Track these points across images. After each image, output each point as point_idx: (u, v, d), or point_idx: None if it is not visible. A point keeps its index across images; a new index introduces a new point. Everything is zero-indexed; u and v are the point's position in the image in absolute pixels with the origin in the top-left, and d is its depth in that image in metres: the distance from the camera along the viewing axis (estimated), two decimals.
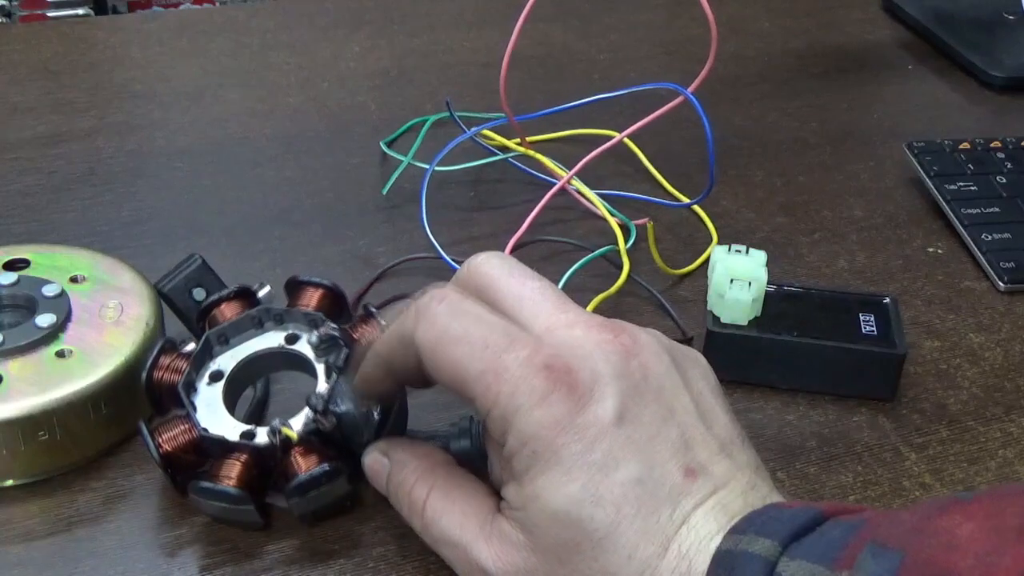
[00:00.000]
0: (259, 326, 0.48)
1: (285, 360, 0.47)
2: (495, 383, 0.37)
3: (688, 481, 0.36)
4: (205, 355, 0.46)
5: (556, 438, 0.36)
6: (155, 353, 0.45)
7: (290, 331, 0.47)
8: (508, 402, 0.36)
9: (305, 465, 0.42)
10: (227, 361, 0.46)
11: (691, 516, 0.36)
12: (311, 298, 0.48)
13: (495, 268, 0.41)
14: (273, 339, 0.47)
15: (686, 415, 0.38)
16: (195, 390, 0.45)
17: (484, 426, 0.40)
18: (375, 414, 0.43)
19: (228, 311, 0.47)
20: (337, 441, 0.43)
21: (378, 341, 0.41)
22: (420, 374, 0.40)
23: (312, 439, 0.43)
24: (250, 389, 0.48)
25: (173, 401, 0.45)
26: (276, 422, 0.43)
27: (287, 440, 0.43)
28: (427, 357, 0.38)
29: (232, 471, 0.42)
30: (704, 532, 0.35)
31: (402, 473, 0.42)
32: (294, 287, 0.49)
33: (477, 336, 0.37)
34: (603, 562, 0.36)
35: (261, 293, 0.49)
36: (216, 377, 0.45)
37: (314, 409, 0.43)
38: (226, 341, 0.47)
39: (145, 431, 0.43)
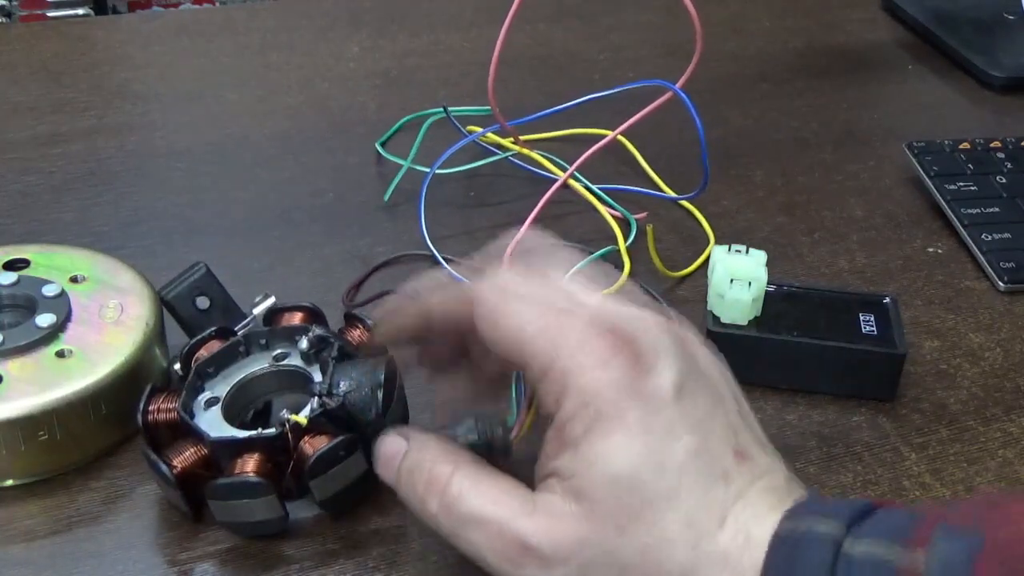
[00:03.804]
0: (246, 354, 0.47)
1: (278, 379, 0.47)
2: (557, 339, 0.36)
3: (739, 462, 0.37)
4: (197, 384, 0.46)
5: (620, 401, 0.36)
6: (144, 397, 0.45)
7: (277, 351, 0.48)
8: (569, 361, 0.36)
9: (319, 445, 0.42)
10: (220, 387, 0.46)
11: (746, 493, 0.36)
12: (291, 320, 0.49)
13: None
14: (262, 360, 0.47)
15: (730, 406, 0.38)
16: (193, 415, 0.45)
17: (535, 393, 0.38)
18: (379, 393, 0.43)
19: (213, 348, 0.47)
20: (345, 421, 0.43)
21: (425, 288, 0.41)
22: (454, 331, 0.40)
23: (321, 421, 0.43)
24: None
25: (172, 435, 0.44)
26: (283, 413, 0.43)
27: (297, 426, 0.43)
28: (485, 313, 0.38)
29: (248, 465, 0.42)
30: (760, 508, 0.36)
31: (421, 452, 0.39)
32: (273, 315, 0.49)
33: (540, 296, 0.38)
34: (661, 528, 0.35)
35: (264, 305, 0.49)
36: (212, 403, 0.45)
37: (318, 394, 0.43)
38: (215, 372, 0.47)
39: (154, 457, 0.42)
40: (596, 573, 0.36)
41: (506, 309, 0.38)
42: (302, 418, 0.43)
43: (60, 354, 0.47)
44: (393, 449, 0.40)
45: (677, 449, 0.36)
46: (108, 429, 0.47)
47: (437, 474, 0.38)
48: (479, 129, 0.68)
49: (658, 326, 0.38)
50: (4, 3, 1.78)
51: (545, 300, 0.38)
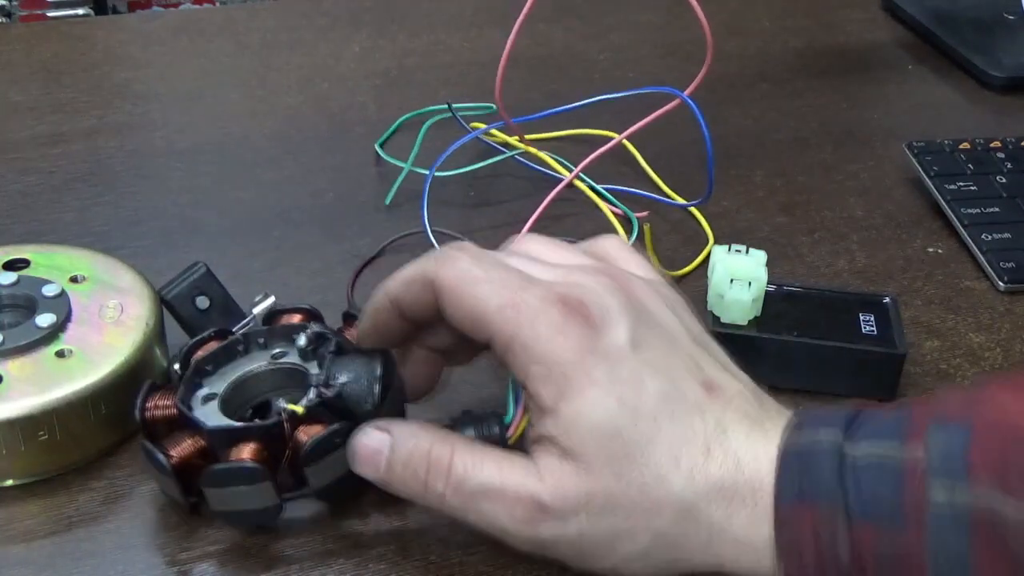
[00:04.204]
0: (244, 352, 0.47)
1: (277, 377, 0.47)
2: (515, 315, 0.39)
3: (708, 394, 0.40)
4: (194, 381, 0.46)
5: (583, 360, 0.38)
6: (143, 393, 0.45)
7: (276, 350, 0.48)
8: (529, 331, 0.39)
9: (315, 433, 0.42)
10: (218, 384, 0.46)
11: (723, 421, 0.39)
12: (290, 321, 0.49)
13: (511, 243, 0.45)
14: (260, 358, 0.47)
15: (686, 340, 0.41)
16: (191, 409, 0.45)
17: (504, 364, 0.40)
18: (376, 385, 0.43)
19: (212, 349, 0.47)
20: (342, 411, 0.43)
21: (389, 281, 0.43)
22: (428, 314, 0.42)
23: (318, 411, 0.43)
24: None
25: (170, 430, 0.44)
26: (280, 402, 0.43)
27: (294, 415, 0.43)
28: (447, 295, 0.40)
29: (244, 452, 0.42)
30: (739, 434, 0.39)
31: (412, 441, 0.41)
32: (272, 317, 0.49)
33: (496, 277, 0.40)
34: (654, 469, 0.38)
35: (264, 304, 0.49)
36: (210, 398, 0.45)
37: (315, 385, 0.43)
38: (214, 370, 0.47)
39: (150, 446, 0.42)
40: (607, 518, 0.38)
41: (466, 291, 0.40)
42: (299, 407, 0.43)
43: (60, 354, 0.47)
44: (375, 443, 0.41)
45: (646, 395, 0.39)
46: (108, 429, 0.47)
47: (437, 457, 0.40)
48: (481, 125, 0.68)
49: (604, 288, 0.41)
50: (4, 3, 1.78)
51: (500, 280, 0.40)
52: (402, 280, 0.42)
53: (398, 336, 0.44)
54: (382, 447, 0.41)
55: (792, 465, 0.38)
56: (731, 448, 0.39)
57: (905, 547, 0.35)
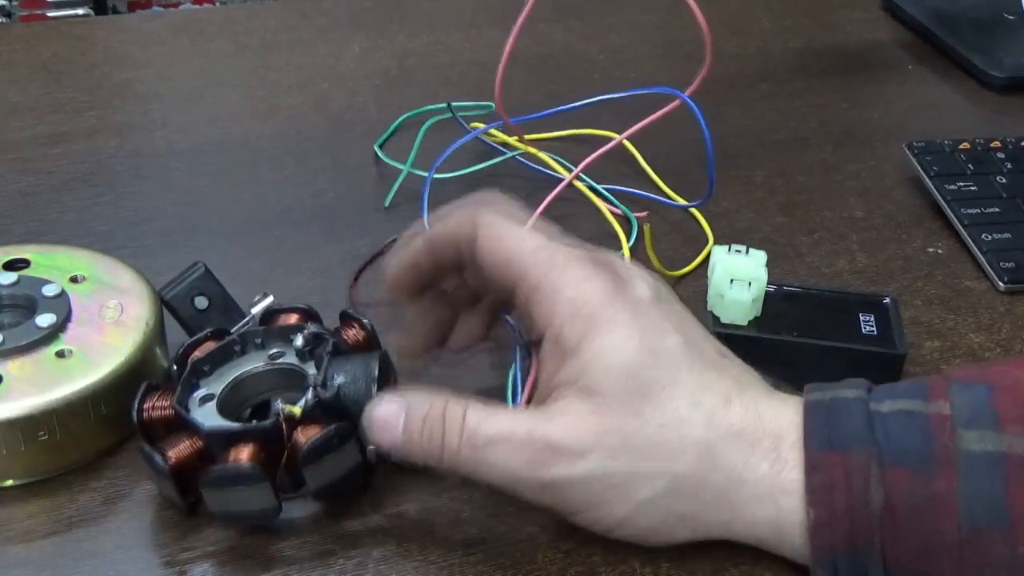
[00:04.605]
0: (241, 353, 0.47)
1: (274, 378, 0.47)
2: (548, 256, 0.41)
3: (722, 358, 0.42)
4: (192, 382, 0.46)
5: (610, 303, 0.40)
6: (140, 394, 0.45)
7: (273, 350, 0.48)
8: (561, 274, 0.41)
9: (313, 434, 0.42)
10: (215, 385, 0.46)
11: (740, 379, 0.41)
12: (287, 321, 0.49)
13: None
14: (257, 359, 0.47)
15: (692, 322, 0.43)
16: (188, 411, 0.45)
17: (529, 309, 0.42)
18: (373, 385, 0.43)
19: (209, 349, 0.47)
20: (339, 412, 0.43)
21: (425, 233, 0.45)
22: (455, 264, 0.44)
23: (316, 412, 0.43)
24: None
25: (167, 431, 0.44)
26: (278, 404, 0.43)
27: (291, 416, 0.43)
28: (485, 233, 0.42)
29: (242, 454, 0.42)
30: (759, 392, 0.41)
31: (427, 403, 0.41)
32: (269, 316, 0.49)
33: (534, 227, 0.43)
34: (673, 408, 0.39)
35: (263, 304, 0.49)
36: (207, 399, 0.45)
37: (313, 386, 0.43)
38: (211, 370, 0.46)
39: (148, 448, 0.42)
40: (621, 457, 0.39)
41: (507, 231, 0.42)
42: (296, 408, 0.43)
43: (60, 354, 0.47)
44: (391, 410, 0.41)
45: (668, 342, 0.40)
46: (108, 429, 0.47)
47: (452, 414, 0.40)
48: (481, 125, 0.68)
49: (626, 262, 0.44)
50: (4, 3, 1.78)
51: (538, 228, 0.43)
52: (444, 222, 0.44)
53: (425, 278, 0.46)
54: (399, 412, 0.41)
55: (820, 415, 0.39)
56: (751, 401, 0.40)
57: (937, 490, 0.37)
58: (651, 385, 0.39)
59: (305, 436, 0.42)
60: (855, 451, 0.38)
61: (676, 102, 0.59)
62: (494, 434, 0.40)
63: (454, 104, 0.70)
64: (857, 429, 0.38)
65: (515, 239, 0.42)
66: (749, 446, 0.39)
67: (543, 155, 0.67)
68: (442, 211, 0.45)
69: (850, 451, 0.38)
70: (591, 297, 0.40)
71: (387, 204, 0.65)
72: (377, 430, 0.42)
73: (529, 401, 0.46)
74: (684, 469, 0.39)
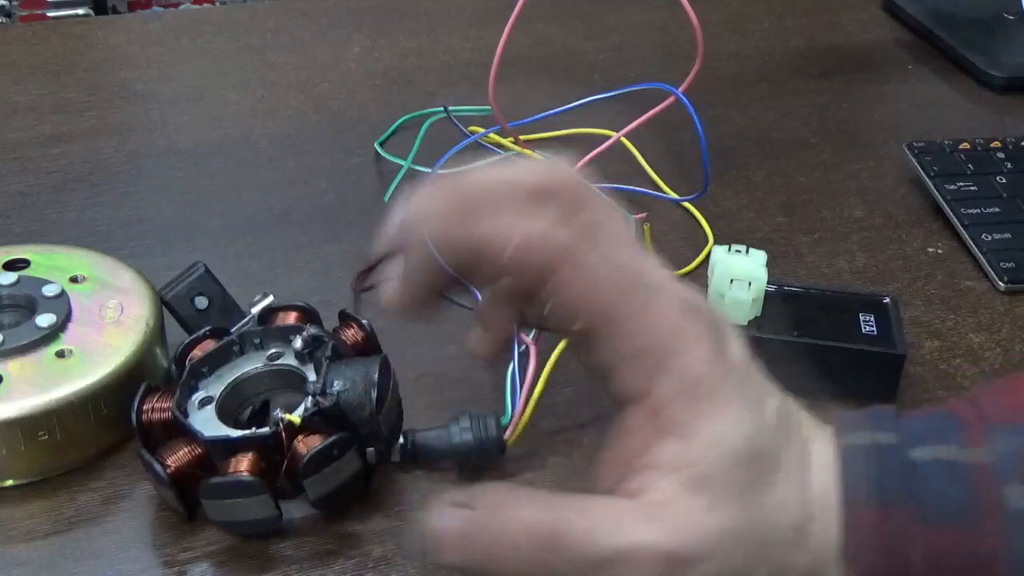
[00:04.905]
0: (240, 353, 0.47)
1: (273, 379, 0.47)
2: (652, 321, 0.35)
3: (800, 409, 0.38)
4: (191, 383, 0.46)
5: (719, 378, 0.35)
6: (139, 396, 0.45)
7: (272, 351, 0.48)
8: (669, 342, 0.35)
9: (313, 444, 0.42)
10: (214, 386, 0.46)
11: (809, 431, 0.37)
12: (286, 320, 0.49)
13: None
14: (256, 359, 0.47)
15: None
16: (187, 415, 0.45)
17: (599, 342, 0.36)
18: (373, 391, 0.43)
19: (208, 348, 0.47)
20: (339, 420, 0.43)
21: (494, 244, 0.36)
22: (494, 268, 0.37)
23: (315, 420, 0.43)
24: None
25: (167, 434, 0.44)
26: (277, 412, 0.43)
27: (291, 425, 0.42)
28: (577, 274, 0.36)
29: (242, 464, 0.42)
30: (821, 441, 0.37)
31: (502, 513, 0.35)
32: (268, 315, 0.49)
33: (615, 277, 0.36)
34: (781, 493, 0.35)
35: (263, 304, 0.49)
36: (206, 402, 0.45)
37: (312, 393, 0.43)
38: (209, 372, 0.46)
39: (148, 456, 0.42)
40: (738, 554, 0.35)
41: (595, 290, 0.36)
42: (296, 417, 0.43)
43: (60, 354, 0.47)
44: (456, 524, 0.35)
45: (769, 412, 0.36)
46: (108, 429, 0.47)
47: (540, 527, 0.34)
48: (481, 129, 0.69)
49: (708, 302, 0.38)
50: (4, 3, 1.78)
51: (624, 278, 0.36)
52: (520, 241, 0.36)
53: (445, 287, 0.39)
54: (467, 527, 0.35)
55: (856, 469, 0.36)
56: (822, 458, 0.37)
57: (980, 549, 0.34)
58: (762, 471, 0.35)
59: (305, 445, 0.42)
60: (893, 508, 0.35)
61: (671, 99, 0.59)
62: (605, 552, 0.33)
63: (453, 109, 0.69)
64: (894, 484, 0.35)
65: (606, 300, 0.35)
66: (823, 509, 0.36)
67: (541, 156, 0.67)
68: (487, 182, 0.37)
69: (888, 508, 0.35)
70: (702, 369, 0.35)
71: (387, 199, 0.65)
72: (444, 549, 0.35)
73: (528, 402, 0.46)
74: (780, 556, 0.35)
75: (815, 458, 0.37)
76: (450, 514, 0.35)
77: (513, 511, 0.35)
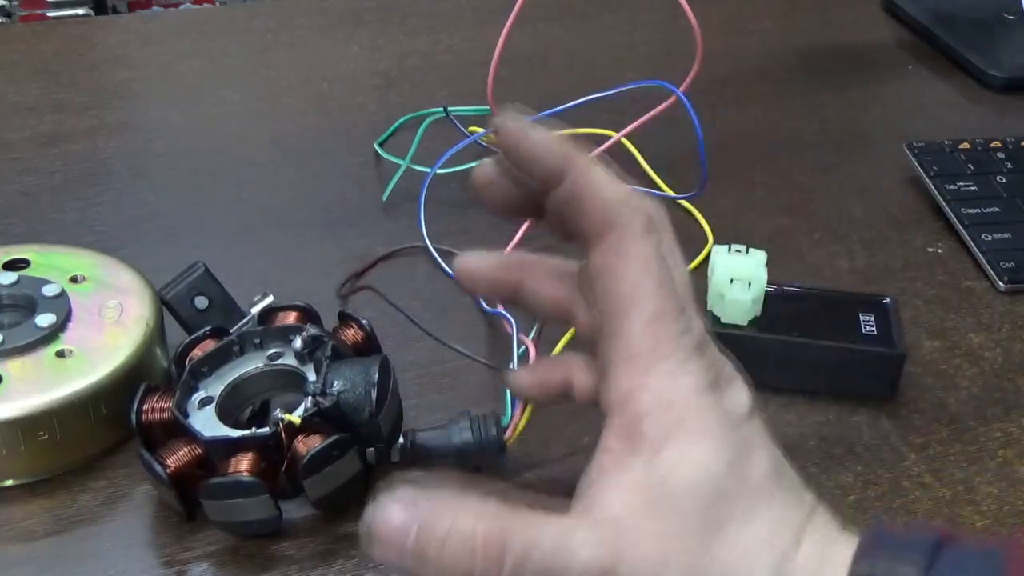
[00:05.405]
0: (240, 353, 0.47)
1: (273, 379, 0.47)
2: (659, 342, 0.35)
3: (805, 487, 0.36)
4: (190, 384, 0.46)
5: (703, 410, 0.34)
6: (138, 396, 0.45)
7: (271, 351, 0.48)
8: (663, 363, 0.35)
9: (312, 445, 0.42)
10: (214, 387, 0.46)
11: (816, 512, 0.35)
12: (286, 320, 0.49)
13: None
14: (256, 359, 0.47)
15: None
16: (187, 415, 0.45)
17: (606, 364, 0.36)
18: (372, 392, 0.43)
19: (208, 348, 0.47)
20: (339, 420, 0.43)
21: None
22: (559, 213, 0.37)
23: (315, 420, 0.43)
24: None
25: (167, 434, 0.44)
26: (277, 412, 0.43)
27: (291, 426, 0.42)
28: (613, 260, 0.36)
29: (242, 465, 0.42)
30: (831, 530, 0.35)
31: (448, 518, 0.33)
32: (267, 315, 0.49)
33: (664, 278, 0.36)
34: (744, 546, 0.33)
35: (263, 303, 0.49)
36: (206, 402, 0.45)
37: (312, 393, 0.43)
38: (209, 372, 0.46)
39: (148, 457, 0.42)
40: None
41: (631, 269, 0.36)
42: (295, 417, 0.43)
43: (60, 354, 0.47)
44: (399, 522, 0.34)
45: (755, 464, 0.35)
46: (108, 429, 0.47)
47: (486, 537, 0.33)
48: (480, 129, 0.69)
49: (726, 363, 0.37)
50: (4, 3, 1.78)
51: (668, 283, 0.36)
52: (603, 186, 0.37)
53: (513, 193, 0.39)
54: (407, 526, 0.33)
55: None
56: (821, 543, 0.34)
57: None
58: (727, 515, 0.33)
59: (305, 445, 0.42)
60: None
61: (672, 98, 0.59)
62: (550, 567, 0.32)
63: (453, 109, 0.69)
64: None
65: (635, 284, 0.36)
66: None
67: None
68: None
69: None
70: (687, 396, 0.34)
71: (385, 198, 0.65)
72: (383, 545, 0.34)
73: (528, 402, 0.46)
74: None
75: (820, 550, 0.34)
76: (392, 509, 0.34)
77: (458, 516, 0.33)
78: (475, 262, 0.42)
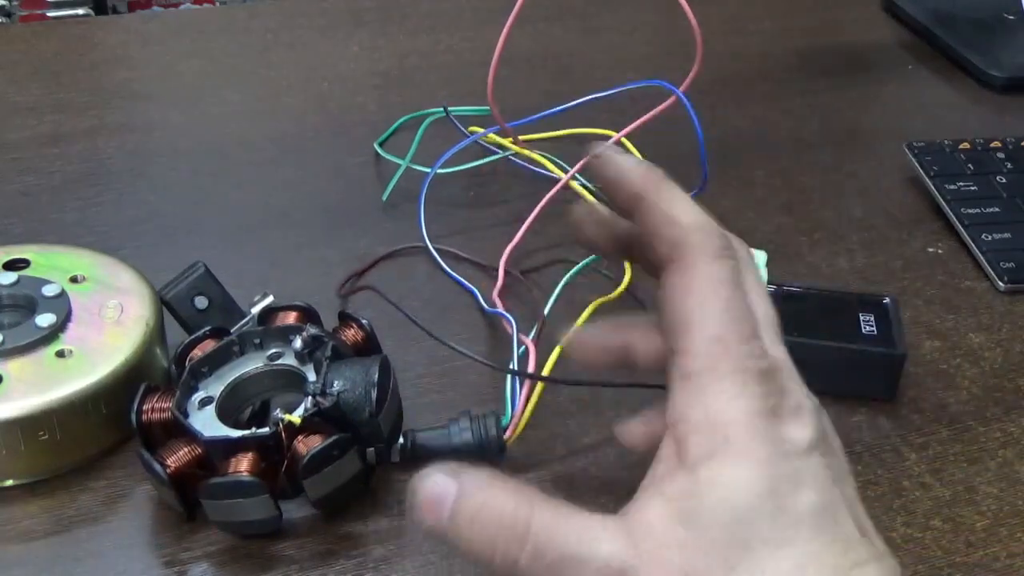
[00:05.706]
0: (240, 353, 0.47)
1: (273, 379, 0.47)
2: (720, 351, 0.35)
3: (862, 535, 0.35)
4: (190, 384, 0.46)
5: (754, 435, 0.34)
6: (138, 396, 0.45)
7: (271, 351, 0.48)
8: (717, 382, 0.35)
9: (312, 445, 0.42)
10: (214, 387, 0.46)
11: (864, 565, 0.34)
12: (286, 320, 0.49)
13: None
14: (256, 360, 0.47)
15: (852, 485, 0.37)
16: (187, 415, 0.45)
17: (668, 382, 0.36)
18: (373, 392, 0.43)
19: (208, 348, 0.47)
20: (339, 420, 0.43)
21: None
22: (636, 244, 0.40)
23: (315, 420, 0.43)
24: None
25: (167, 434, 0.44)
26: (277, 412, 0.43)
27: (291, 426, 0.42)
28: (681, 279, 0.36)
29: (242, 465, 0.42)
30: None
31: (488, 492, 0.35)
32: (267, 315, 0.49)
33: (733, 303, 0.36)
34: (771, 569, 0.33)
35: (263, 303, 0.49)
36: (206, 402, 0.45)
37: (312, 393, 0.43)
38: (209, 372, 0.46)
39: (148, 457, 0.42)
40: None
41: (701, 287, 0.36)
42: (296, 417, 0.43)
43: (60, 354, 0.47)
44: (439, 491, 0.35)
45: (799, 500, 0.34)
46: (108, 429, 0.47)
47: (513, 516, 0.34)
48: (480, 129, 0.69)
49: (809, 398, 0.37)
50: (4, 3, 1.78)
51: (739, 307, 0.36)
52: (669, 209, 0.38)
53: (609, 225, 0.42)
54: (445, 496, 0.35)
55: None
56: None
57: None
58: (758, 542, 0.33)
59: (305, 445, 0.42)
60: None
61: (671, 99, 0.59)
62: (569, 555, 0.33)
63: (453, 109, 0.69)
64: None
65: (701, 306, 0.36)
66: None
67: (539, 156, 0.67)
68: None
69: None
70: (738, 417, 0.34)
71: (385, 198, 0.65)
72: (423, 510, 0.35)
73: (528, 402, 0.46)
74: None
75: None
76: (436, 479, 0.35)
77: (495, 492, 0.35)
78: (586, 338, 0.43)
